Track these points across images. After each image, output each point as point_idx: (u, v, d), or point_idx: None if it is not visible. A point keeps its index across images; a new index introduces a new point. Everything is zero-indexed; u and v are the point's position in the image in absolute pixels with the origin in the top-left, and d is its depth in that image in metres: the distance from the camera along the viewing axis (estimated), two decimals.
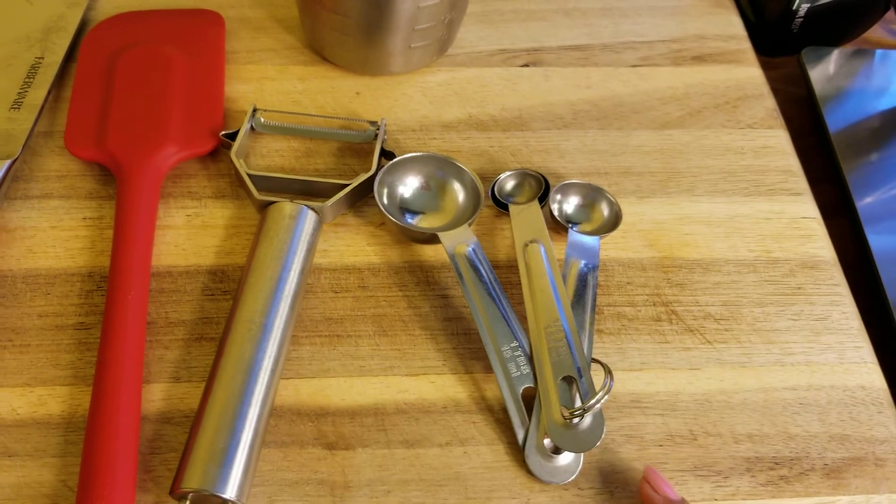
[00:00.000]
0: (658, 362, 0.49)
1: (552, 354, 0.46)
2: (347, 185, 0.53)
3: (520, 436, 0.45)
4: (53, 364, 0.47)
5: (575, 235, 0.52)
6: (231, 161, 0.54)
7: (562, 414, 0.44)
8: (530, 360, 0.47)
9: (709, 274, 0.53)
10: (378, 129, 0.56)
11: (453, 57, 0.64)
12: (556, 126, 0.60)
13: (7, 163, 0.53)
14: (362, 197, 0.54)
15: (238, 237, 0.53)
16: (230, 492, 0.41)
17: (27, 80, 0.58)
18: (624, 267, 0.53)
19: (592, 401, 0.44)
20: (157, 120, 0.55)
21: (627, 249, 0.54)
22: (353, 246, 0.53)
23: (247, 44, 0.63)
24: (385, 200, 0.53)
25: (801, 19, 0.68)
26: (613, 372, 0.47)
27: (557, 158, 0.58)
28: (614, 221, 0.54)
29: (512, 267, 0.52)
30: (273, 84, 0.61)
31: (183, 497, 0.41)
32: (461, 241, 0.51)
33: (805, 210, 0.56)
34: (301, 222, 0.50)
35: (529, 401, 0.46)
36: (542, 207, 0.53)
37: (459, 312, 0.50)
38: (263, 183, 0.53)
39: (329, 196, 0.52)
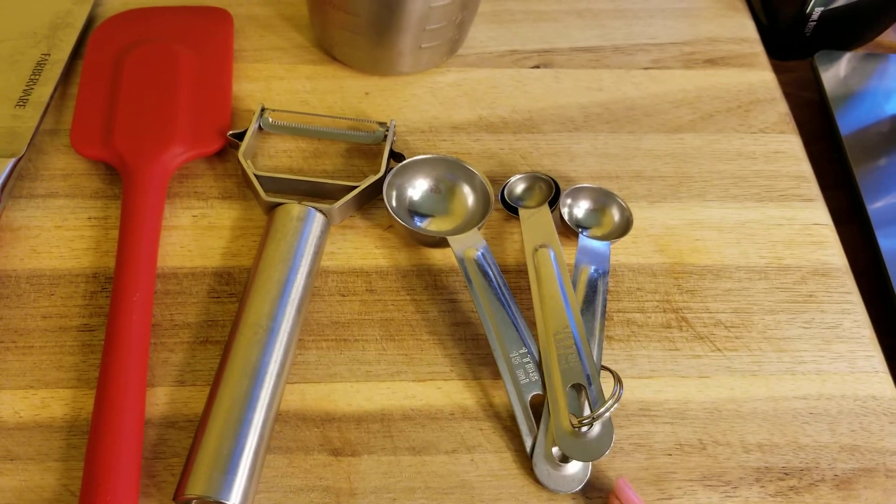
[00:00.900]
0: (668, 370, 0.49)
1: (561, 361, 0.46)
2: (356, 187, 0.52)
3: (528, 444, 0.45)
4: (57, 366, 0.47)
5: (585, 240, 0.52)
6: (238, 161, 0.53)
7: (570, 422, 0.44)
8: (539, 366, 0.47)
9: (719, 280, 0.52)
10: (387, 131, 0.56)
11: (464, 57, 0.63)
12: (567, 129, 0.59)
13: (12, 161, 0.52)
14: (371, 199, 0.54)
15: (245, 239, 0.52)
16: (234, 498, 0.41)
17: (33, 76, 0.58)
18: (634, 272, 0.52)
19: (602, 409, 0.43)
20: (164, 119, 0.55)
21: (638, 255, 0.53)
22: (361, 249, 0.52)
23: (255, 42, 0.63)
24: (394, 203, 0.53)
25: (815, 23, 0.67)
26: (623, 379, 0.46)
27: (568, 161, 0.57)
28: (625, 226, 0.53)
29: (521, 272, 0.52)
30: (281, 83, 0.60)
31: (186, 503, 0.41)
32: (470, 245, 0.50)
33: (817, 216, 0.56)
34: (308, 224, 0.50)
35: (538, 408, 0.46)
36: (552, 212, 0.53)
37: (468, 317, 0.50)
38: (271, 184, 0.52)
39: (337, 198, 0.52)
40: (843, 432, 0.47)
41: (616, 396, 0.44)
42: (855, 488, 0.45)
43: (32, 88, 0.57)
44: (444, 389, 0.47)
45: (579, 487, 0.44)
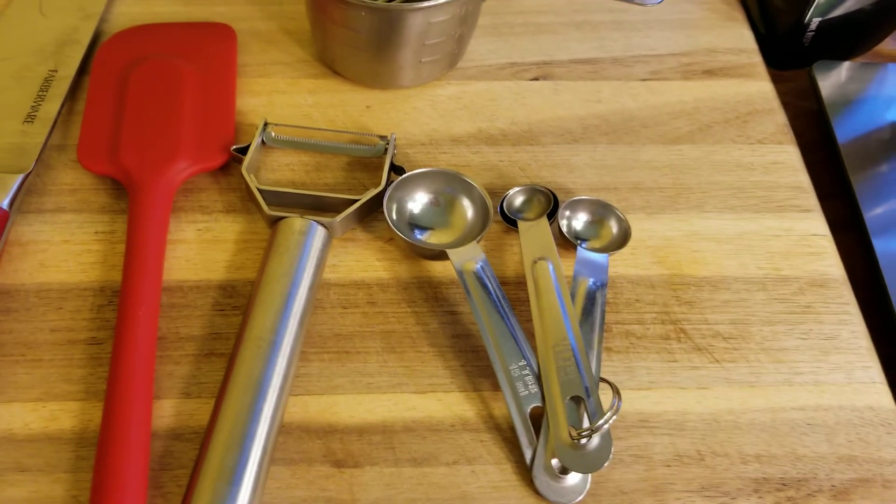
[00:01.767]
0: (666, 381, 0.49)
1: (560, 373, 0.47)
2: (357, 200, 0.53)
3: (528, 455, 0.45)
4: (65, 379, 0.47)
5: (584, 252, 0.53)
6: (242, 175, 0.54)
7: (570, 434, 0.45)
8: (538, 378, 0.47)
9: (718, 292, 0.53)
10: (388, 144, 0.57)
11: (463, 70, 0.64)
12: (566, 140, 0.60)
13: (20, 176, 0.53)
14: (372, 212, 0.55)
15: (248, 252, 0.53)
16: None
17: (41, 93, 0.58)
18: (633, 284, 0.53)
19: (601, 421, 0.44)
20: (169, 134, 0.56)
21: (636, 266, 0.54)
22: (362, 261, 0.53)
23: (258, 57, 0.64)
24: (394, 216, 0.53)
25: (813, 33, 0.68)
26: (621, 391, 0.47)
27: (567, 173, 0.58)
28: (623, 238, 0.54)
29: (520, 283, 0.52)
30: (284, 97, 0.61)
31: None
32: (469, 257, 0.51)
33: (815, 227, 0.56)
34: (310, 238, 0.51)
35: (537, 420, 0.47)
36: (550, 224, 0.53)
37: (468, 329, 0.51)
38: (274, 198, 0.53)
39: (339, 211, 0.52)
40: (841, 443, 0.47)
41: (615, 408, 0.44)
42: (852, 499, 0.46)
43: (40, 105, 0.58)
44: (445, 401, 0.48)
45: (579, 499, 0.45)
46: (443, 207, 0.55)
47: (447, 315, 0.51)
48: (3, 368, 0.48)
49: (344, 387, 0.48)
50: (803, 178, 0.59)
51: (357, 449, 0.46)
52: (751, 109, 0.63)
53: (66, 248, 0.53)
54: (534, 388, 0.47)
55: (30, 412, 0.46)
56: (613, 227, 0.54)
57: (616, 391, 0.45)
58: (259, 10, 0.67)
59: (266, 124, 0.57)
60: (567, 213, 0.54)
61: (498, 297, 0.50)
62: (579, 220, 0.55)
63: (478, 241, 0.52)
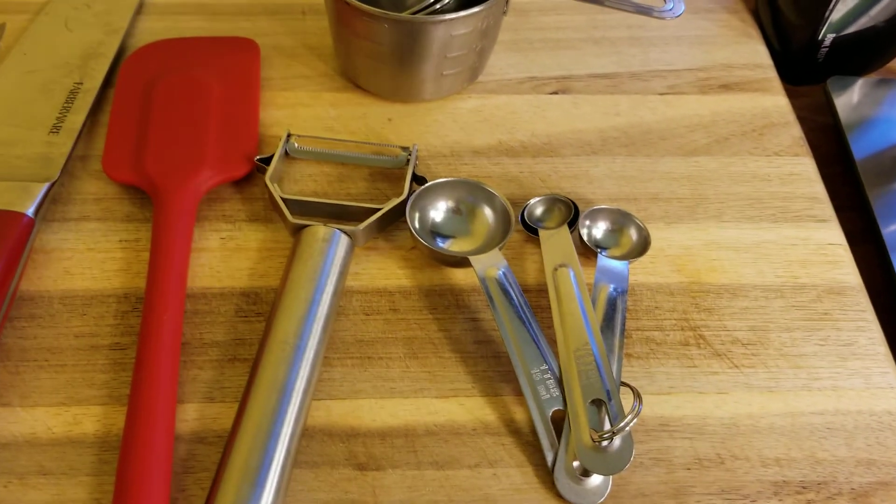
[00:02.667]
0: (686, 386, 0.49)
1: (581, 377, 0.47)
2: (379, 209, 0.53)
3: (549, 458, 0.46)
4: (89, 384, 0.48)
5: (604, 260, 0.53)
6: (266, 185, 0.55)
7: (591, 437, 0.45)
8: (560, 383, 0.48)
9: (736, 299, 0.53)
10: (410, 155, 0.57)
11: (484, 84, 0.65)
12: (585, 152, 0.61)
13: (45, 185, 0.54)
14: (394, 221, 0.55)
15: (271, 260, 0.54)
16: None
17: (66, 104, 0.59)
18: (652, 291, 0.53)
19: (621, 424, 0.44)
20: (193, 144, 0.56)
21: (656, 274, 0.54)
22: (385, 269, 0.54)
23: (281, 71, 0.65)
24: (416, 224, 0.54)
25: (827, 49, 0.68)
26: (642, 395, 0.47)
27: (586, 184, 0.59)
28: (643, 246, 0.54)
29: (542, 291, 0.53)
30: (307, 110, 0.62)
31: None
32: (492, 264, 0.51)
33: (831, 236, 0.57)
34: (334, 245, 0.51)
35: (559, 423, 0.47)
36: (571, 232, 0.54)
37: (489, 335, 0.51)
38: (297, 207, 0.54)
39: (361, 220, 0.53)
40: (860, 447, 0.48)
41: (636, 412, 0.44)
42: (872, 502, 0.46)
43: (66, 116, 0.59)
44: (467, 405, 0.48)
45: (600, 501, 0.45)
46: (465, 216, 0.55)
47: (469, 321, 0.51)
48: (28, 373, 0.48)
49: (367, 391, 0.48)
50: (819, 189, 0.59)
51: (379, 452, 0.46)
52: (767, 122, 0.63)
53: (90, 256, 0.53)
54: (555, 392, 0.47)
55: (53, 416, 0.47)
56: (633, 235, 0.55)
57: (637, 394, 0.45)
58: (282, 26, 0.68)
59: (289, 135, 0.58)
60: (587, 221, 0.55)
61: (520, 302, 0.50)
62: (599, 229, 0.55)
63: (500, 249, 0.52)
